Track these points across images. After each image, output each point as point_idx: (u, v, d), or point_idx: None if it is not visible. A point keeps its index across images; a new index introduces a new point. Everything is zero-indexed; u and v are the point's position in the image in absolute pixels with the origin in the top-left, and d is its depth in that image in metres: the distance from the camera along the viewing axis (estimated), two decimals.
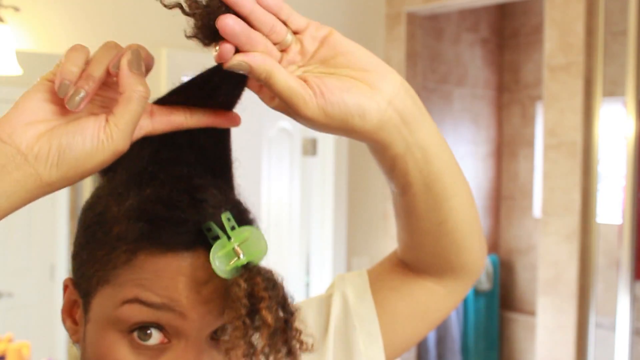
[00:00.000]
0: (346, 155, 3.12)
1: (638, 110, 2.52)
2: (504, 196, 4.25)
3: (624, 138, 2.56)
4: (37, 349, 2.06)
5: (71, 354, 2.18)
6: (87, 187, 2.01)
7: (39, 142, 0.50)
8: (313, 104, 0.54)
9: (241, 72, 0.53)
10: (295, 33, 0.57)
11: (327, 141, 3.11)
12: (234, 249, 0.54)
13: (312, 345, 0.55)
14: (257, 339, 0.52)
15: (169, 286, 0.55)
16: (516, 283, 4.20)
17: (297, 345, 0.54)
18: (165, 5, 0.54)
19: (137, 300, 0.55)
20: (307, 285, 3.23)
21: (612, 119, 3.34)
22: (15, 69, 2.20)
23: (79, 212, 0.64)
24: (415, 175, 0.62)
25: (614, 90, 3.12)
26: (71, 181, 0.52)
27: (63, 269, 2.36)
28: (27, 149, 0.49)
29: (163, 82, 2.40)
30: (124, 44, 0.56)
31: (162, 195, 0.57)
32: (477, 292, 3.96)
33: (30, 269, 2.32)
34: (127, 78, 0.51)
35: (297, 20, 0.57)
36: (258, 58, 0.52)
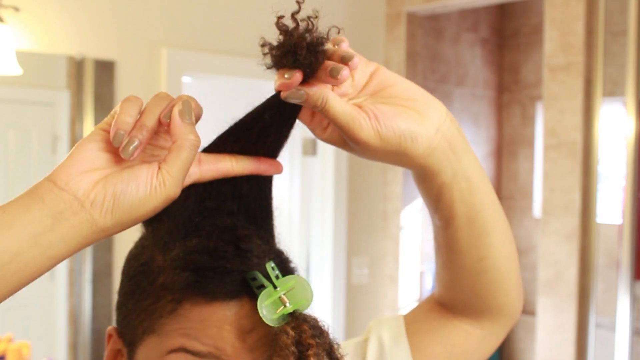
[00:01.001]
0: (346, 155, 3.12)
1: (638, 110, 2.52)
2: (504, 196, 4.25)
3: (624, 138, 2.56)
4: (37, 349, 2.06)
5: None
6: None
7: (95, 189, 0.51)
8: (368, 127, 0.55)
9: (297, 101, 0.55)
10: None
11: None
12: (280, 297, 0.55)
13: None
14: None
15: (215, 335, 0.57)
16: None
17: None
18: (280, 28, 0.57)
19: (182, 350, 0.57)
20: None
21: (612, 119, 3.34)
22: (15, 69, 2.20)
23: None
24: (460, 207, 0.63)
25: (614, 90, 3.12)
26: (125, 226, 0.54)
27: (63, 269, 2.36)
28: (84, 195, 0.51)
29: (163, 81, 2.40)
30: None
31: (208, 245, 0.58)
32: None
33: None
34: (179, 128, 0.53)
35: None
36: (314, 87, 0.54)
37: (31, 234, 0.49)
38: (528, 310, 4.07)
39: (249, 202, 0.62)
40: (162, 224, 0.60)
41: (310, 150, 3.16)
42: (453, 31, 3.91)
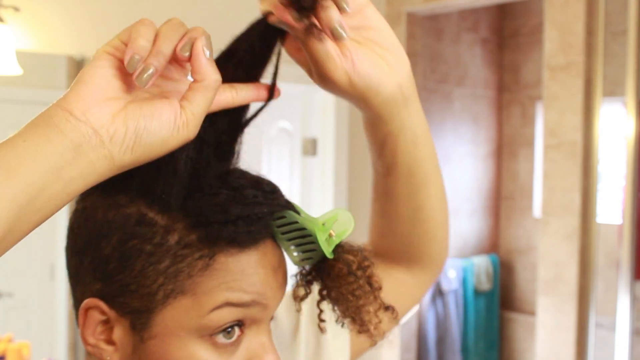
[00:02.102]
0: (346, 155, 3.12)
1: (638, 110, 2.52)
2: (504, 196, 4.25)
3: (624, 138, 2.56)
4: (37, 349, 2.06)
5: None
6: None
7: (114, 123, 0.48)
8: (342, 69, 0.56)
9: (283, 26, 0.55)
10: None
11: (327, 141, 3.11)
12: (329, 233, 0.58)
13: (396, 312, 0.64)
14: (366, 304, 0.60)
15: (256, 282, 0.57)
16: (516, 283, 4.19)
17: (393, 308, 0.64)
18: None
19: (227, 304, 0.56)
20: None
21: (612, 119, 3.34)
22: (15, 69, 2.20)
23: None
24: (403, 157, 0.66)
25: (614, 90, 3.12)
26: (140, 164, 0.51)
27: (63, 269, 2.36)
28: (103, 129, 0.48)
29: None
30: None
31: (235, 195, 0.56)
32: (477, 292, 3.96)
33: (30, 269, 2.32)
34: (205, 66, 0.51)
35: None
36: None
37: (54, 167, 0.46)
38: (528, 310, 4.07)
39: (224, 140, 0.59)
40: (143, 178, 0.55)
41: (310, 150, 3.16)
42: (453, 31, 3.90)
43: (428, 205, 0.70)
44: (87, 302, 0.58)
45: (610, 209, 3.68)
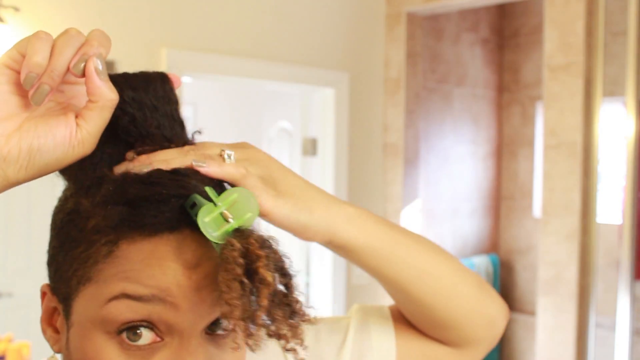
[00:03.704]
0: (346, 155, 3.12)
1: (638, 110, 2.52)
2: (504, 196, 4.25)
3: (624, 138, 2.56)
4: (37, 349, 2.06)
5: None
6: None
7: (8, 145, 0.49)
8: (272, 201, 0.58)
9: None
10: None
11: (327, 141, 3.11)
12: (222, 213, 0.51)
13: (315, 319, 0.52)
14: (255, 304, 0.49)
15: (157, 274, 0.51)
16: (516, 283, 4.19)
17: (301, 312, 0.51)
18: None
19: (123, 296, 0.51)
20: (307, 285, 3.23)
21: (612, 119, 3.34)
22: None
23: None
24: (365, 268, 0.66)
25: (614, 90, 3.12)
26: (35, 179, 0.52)
27: None
28: None
29: None
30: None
31: (139, 175, 0.53)
32: None
33: (30, 269, 2.32)
34: (99, 88, 0.50)
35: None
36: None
37: None
38: (528, 310, 4.07)
39: (161, 122, 0.57)
40: (81, 170, 0.56)
41: (310, 150, 3.16)
42: (453, 31, 3.90)
43: (422, 301, 0.67)
44: (41, 286, 0.59)
45: (610, 209, 3.68)
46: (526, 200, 4.13)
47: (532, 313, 3.85)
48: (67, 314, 0.56)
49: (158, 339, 0.53)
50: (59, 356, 0.59)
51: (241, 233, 0.50)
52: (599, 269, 2.89)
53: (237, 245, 0.49)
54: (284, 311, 0.50)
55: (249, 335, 0.48)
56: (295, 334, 0.51)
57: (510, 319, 3.49)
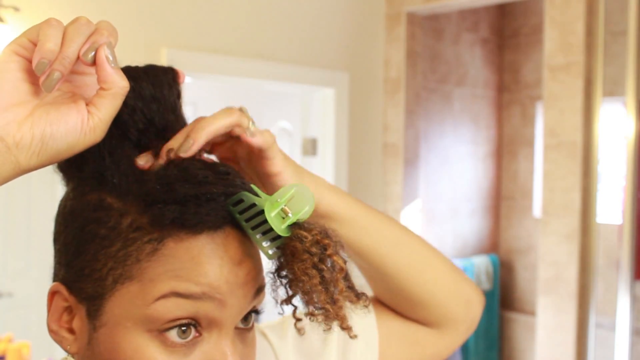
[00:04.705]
0: (346, 155, 3.12)
1: (638, 110, 2.52)
2: (504, 196, 4.25)
3: (624, 138, 2.56)
4: (37, 349, 2.06)
5: None
6: None
7: (21, 130, 0.49)
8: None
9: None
10: None
11: (327, 141, 3.11)
12: (282, 209, 0.52)
13: (370, 300, 0.56)
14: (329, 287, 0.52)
15: (208, 272, 0.52)
16: (516, 283, 4.19)
17: (362, 295, 0.54)
18: None
19: (173, 294, 0.51)
20: None
21: (612, 119, 3.34)
22: None
23: None
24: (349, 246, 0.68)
25: (614, 90, 3.12)
26: (46, 166, 0.52)
27: None
28: (9, 136, 0.48)
29: None
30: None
31: (183, 173, 0.53)
32: None
33: (30, 269, 2.32)
34: (111, 75, 0.51)
35: None
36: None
37: None
38: (528, 310, 4.07)
39: (166, 120, 0.58)
40: (100, 167, 0.55)
41: (310, 150, 3.16)
42: (453, 31, 3.90)
43: (396, 279, 0.70)
44: (52, 286, 0.58)
45: (610, 209, 3.68)
46: (526, 200, 4.13)
47: (532, 313, 3.85)
48: (95, 313, 0.55)
49: (197, 334, 0.53)
50: (70, 357, 0.58)
51: (303, 226, 0.52)
52: (599, 269, 2.89)
53: (309, 236, 0.51)
54: (349, 294, 0.53)
55: (333, 317, 0.52)
56: (345, 315, 0.53)
57: (510, 319, 3.49)
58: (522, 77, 4.15)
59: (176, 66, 0.60)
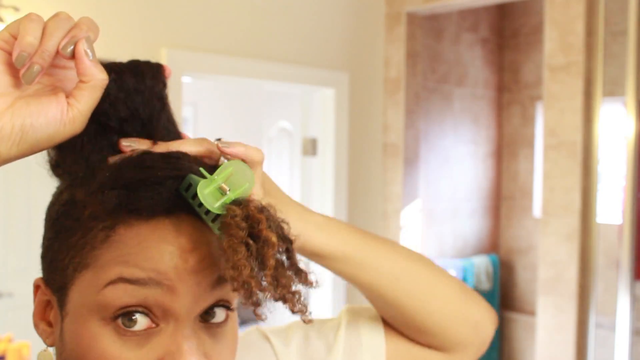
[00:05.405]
0: (346, 155, 3.12)
1: (638, 110, 2.52)
2: (504, 196, 4.25)
3: (624, 138, 2.56)
4: (37, 349, 2.06)
5: None
6: None
7: (1, 121, 0.50)
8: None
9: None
10: None
11: (327, 141, 3.11)
12: (220, 187, 0.51)
13: (317, 282, 0.53)
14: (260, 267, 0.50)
15: (154, 257, 0.51)
16: (516, 283, 4.20)
17: (304, 275, 0.52)
18: None
19: (120, 280, 0.51)
20: None
21: (612, 119, 3.35)
22: None
23: None
24: (345, 278, 0.69)
25: (614, 90, 3.12)
26: (25, 156, 0.53)
27: None
28: None
29: None
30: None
31: (133, 160, 0.54)
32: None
33: (30, 269, 2.32)
34: (90, 68, 0.52)
35: None
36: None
37: None
38: (528, 310, 4.07)
39: (148, 112, 0.59)
40: (75, 165, 0.57)
41: (310, 150, 3.16)
42: (453, 31, 3.90)
43: (403, 308, 0.69)
44: (34, 280, 0.59)
45: (610, 209, 3.68)
46: (526, 200, 4.13)
47: (532, 313, 3.85)
48: (62, 303, 0.55)
49: (153, 324, 0.52)
50: (51, 350, 0.59)
51: (240, 202, 0.51)
52: (599, 269, 2.89)
53: (238, 211, 0.50)
54: (288, 274, 0.50)
55: (253, 296, 0.49)
56: (300, 297, 0.51)
57: (510, 319, 3.49)
58: (522, 77, 4.15)
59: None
